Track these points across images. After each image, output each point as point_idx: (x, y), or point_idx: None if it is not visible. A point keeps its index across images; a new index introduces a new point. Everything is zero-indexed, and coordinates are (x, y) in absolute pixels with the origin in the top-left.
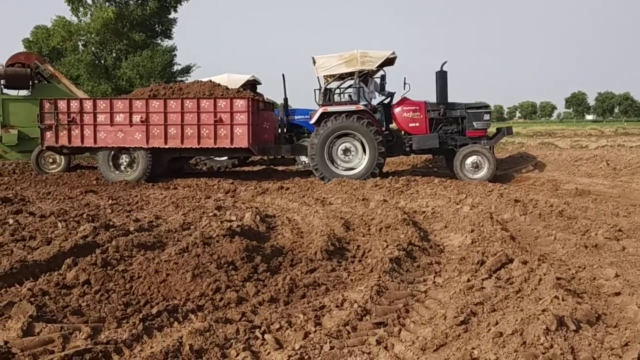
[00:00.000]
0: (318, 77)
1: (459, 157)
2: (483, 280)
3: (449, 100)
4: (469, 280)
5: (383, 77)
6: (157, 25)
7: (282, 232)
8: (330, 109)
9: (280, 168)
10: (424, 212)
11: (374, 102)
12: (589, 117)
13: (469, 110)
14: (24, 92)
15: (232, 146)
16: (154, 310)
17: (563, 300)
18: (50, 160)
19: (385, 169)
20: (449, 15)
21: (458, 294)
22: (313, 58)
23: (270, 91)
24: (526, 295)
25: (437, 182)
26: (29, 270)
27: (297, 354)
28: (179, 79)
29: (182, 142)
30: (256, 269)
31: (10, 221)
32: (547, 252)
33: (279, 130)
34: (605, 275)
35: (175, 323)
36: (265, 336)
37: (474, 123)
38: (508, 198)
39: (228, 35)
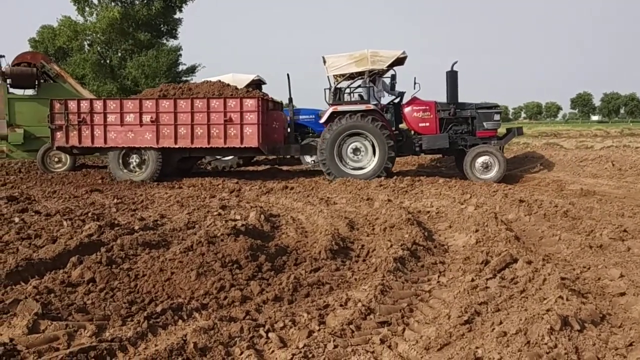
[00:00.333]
0: (328, 77)
1: (469, 157)
2: (487, 280)
3: (459, 100)
4: (473, 280)
5: (393, 77)
6: (162, 25)
7: (286, 232)
8: (340, 108)
9: (284, 168)
10: (428, 212)
11: (384, 102)
12: (595, 117)
13: (479, 110)
14: (30, 92)
15: (242, 146)
16: (159, 309)
17: (567, 300)
18: (56, 159)
19: None
20: (453, 15)
21: (462, 294)
22: (323, 57)
23: (271, 91)
24: (530, 295)
25: (441, 182)
26: (34, 268)
27: (301, 352)
28: (184, 78)
29: (192, 142)
30: (260, 268)
31: (16, 219)
32: (552, 252)
33: (288, 130)
34: (610, 276)
35: (180, 321)
36: (269, 335)
37: (484, 123)
38: (513, 198)
39: (228, 35)
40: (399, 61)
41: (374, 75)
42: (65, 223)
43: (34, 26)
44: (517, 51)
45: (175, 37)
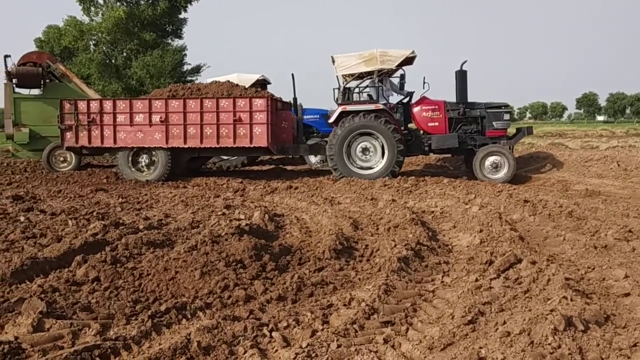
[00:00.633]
0: (337, 76)
1: (478, 157)
2: (491, 280)
3: (468, 100)
4: (477, 280)
5: (402, 76)
6: (167, 25)
7: (290, 231)
8: (349, 108)
9: (289, 168)
10: (432, 212)
11: (393, 102)
12: (600, 117)
13: (488, 110)
14: (35, 91)
15: (251, 145)
16: (163, 308)
17: (571, 300)
18: (61, 158)
19: None
20: (455, 14)
21: (466, 294)
22: (332, 57)
23: (274, 91)
24: (534, 295)
25: (446, 182)
26: (39, 267)
27: (304, 351)
28: (189, 78)
29: (201, 142)
30: (264, 268)
31: (22, 218)
32: (556, 252)
33: (297, 130)
34: (614, 276)
35: (184, 320)
36: (273, 334)
37: (494, 123)
38: (517, 198)
39: (229, 35)
40: (408, 61)
41: (383, 75)
42: (70, 222)
43: (39, 26)
44: (522, 51)
45: (180, 37)
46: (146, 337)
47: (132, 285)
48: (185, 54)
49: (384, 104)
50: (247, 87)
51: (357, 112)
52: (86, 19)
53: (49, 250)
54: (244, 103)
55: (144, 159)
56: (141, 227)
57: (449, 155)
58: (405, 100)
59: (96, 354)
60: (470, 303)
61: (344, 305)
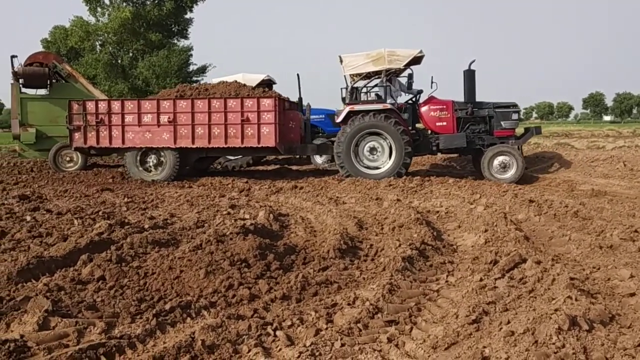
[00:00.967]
0: (345, 76)
1: (487, 156)
2: (496, 279)
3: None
4: (481, 280)
5: (410, 76)
6: (173, 25)
7: (295, 231)
8: (357, 107)
9: (294, 167)
10: (437, 211)
11: (400, 101)
12: (607, 117)
13: (497, 110)
14: (42, 91)
15: (259, 145)
16: (168, 306)
17: (576, 300)
18: (68, 158)
19: None
20: (460, 14)
21: (470, 293)
22: (340, 57)
23: (279, 91)
24: (539, 295)
25: (451, 182)
26: (45, 266)
27: (308, 350)
28: (195, 78)
29: (209, 142)
30: (269, 267)
31: (28, 218)
32: (562, 252)
33: (304, 130)
34: (619, 276)
35: (188, 319)
36: (277, 333)
37: (502, 122)
38: (523, 198)
39: (233, 36)
40: (416, 60)
41: (391, 75)
42: (76, 222)
43: (46, 26)
44: (528, 50)
45: (186, 37)
46: (151, 335)
47: (137, 284)
48: (191, 54)
49: (391, 104)
50: (253, 87)
51: (365, 112)
52: (92, 20)
53: (54, 249)
54: (251, 103)
55: (152, 159)
56: (146, 226)
57: (456, 155)
58: (413, 100)
59: (101, 352)
60: (475, 302)
61: (348, 304)
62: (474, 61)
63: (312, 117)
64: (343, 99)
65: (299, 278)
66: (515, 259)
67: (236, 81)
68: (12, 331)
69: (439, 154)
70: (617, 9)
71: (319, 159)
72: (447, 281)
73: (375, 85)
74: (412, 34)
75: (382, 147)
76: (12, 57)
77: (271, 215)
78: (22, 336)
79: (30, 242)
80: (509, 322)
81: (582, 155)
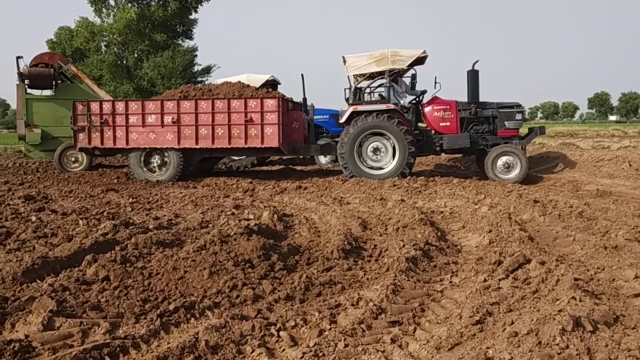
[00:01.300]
0: (348, 76)
1: (490, 157)
2: (500, 280)
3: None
4: (485, 280)
5: (414, 76)
6: (178, 26)
7: (299, 231)
8: (360, 108)
9: (298, 168)
10: (442, 212)
11: (404, 102)
12: (612, 117)
13: (500, 110)
14: (47, 92)
15: (263, 146)
16: (172, 307)
17: (580, 301)
18: (73, 159)
19: None
20: (462, 14)
21: (474, 294)
22: (343, 57)
23: (283, 91)
24: (543, 296)
25: (455, 182)
26: (50, 266)
27: (311, 351)
28: (200, 79)
29: (212, 143)
30: (273, 267)
31: (33, 218)
32: (566, 252)
33: (308, 130)
34: (624, 277)
35: (192, 319)
36: (281, 333)
37: (506, 122)
38: (527, 198)
39: (237, 36)
40: (419, 60)
41: (394, 75)
42: (80, 222)
43: (51, 27)
44: (533, 50)
45: (190, 38)
46: (155, 336)
47: (142, 285)
48: (196, 55)
49: (395, 104)
50: (257, 87)
51: (369, 112)
52: (98, 20)
53: (59, 250)
54: (255, 104)
55: (156, 160)
56: (151, 226)
57: (460, 155)
58: (416, 100)
59: (105, 352)
60: (479, 303)
61: (352, 305)
62: (477, 61)
63: (316, 117)
64: (347, 99)
65: (302, 278)
66: (519, 259)
67: (240, 82)
68: (17, 331)
69: (442, 154)
70: (623, 9)
71: (323, 159)
72: (451, 282)
73: (379, 86)
74: (412, 34)
75: (386, 147)
76: (18, 58)
77: (275, 216)
78: (27, 336)
79: (35, 243)
80: (512, 323)
81: (587, 155)
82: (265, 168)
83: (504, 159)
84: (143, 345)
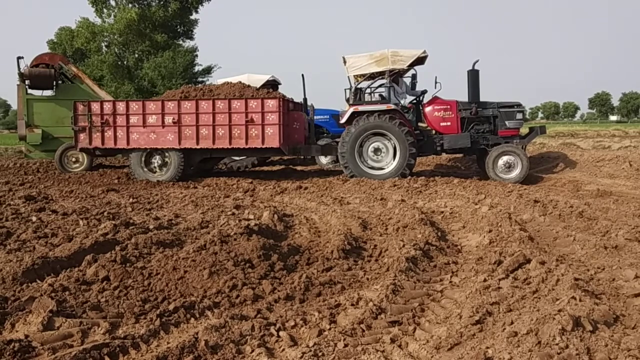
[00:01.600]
0: (348, 77)
1: (491, 156)
2: (500, 280)
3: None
4: (485, 280)
5: (414, 76)
6: (178, 26)
7: (299, 231)
8: (361, 108)
9: (299, 168)
10: (442, 212)
11: (404, 102)
12: (613, 117)
13: (501, 109)
14: (48, 93)
15: (264, 146)
16: (171, 307)
17: (580, 300)
18: (73, 159)
19: None
20: (465, 14)
21: (474, 294)
22: (343, 57)
23: (283, 92)
24: (543, 296)
25: (456, 182)
26: (50, 267)
27: (311, 351)
28: (200, 79)
29: (213, 143)
30: (273, 267)
31: (34, 218)
32: (566, 252)
33: (309, 131)
34: (624, 277)
35: (192, 319)
36: (280, 333)
37: (507, 122)
38: (527, 198)
39: (236, 36)
40: (420, 60)
41: (395, 75)
42: (81, 222)
43: (52, 28)
44: (533, 50)
45: (191, 38)
46: (154, 335)
47: (142, 285)
48: (197, 55)
49: (395, 104)
50: (257, 88)
51: (369, 113)
52: (98, 21)
53: (59, 250)
54: (256, 104)
55: (156, 160)
56: (151, 227)
57: (460, 155)
58: (417, 100)
59: (105, 352)
60: (478, 303)
61: (352, 305)
62: (477, 61)
63: (316, 117)
64: (347, 100)
65: (302, 278)
66: (519, 259)
67: (240, 82)
68: (17, 331)
69: (443, 154)
70: (623, 9)
71: (323, 160)
72: (451, 282)
73: (380, 86)
74: (413, 34)
75: (387, 147)
76: (19, 58)
77: (275, 216)
78: (26, 336)
79: (36, 243)
80: (512, 323)
81: (587, 155)
82: (265, 168)
83: (504, 158)
84: (143, 345)
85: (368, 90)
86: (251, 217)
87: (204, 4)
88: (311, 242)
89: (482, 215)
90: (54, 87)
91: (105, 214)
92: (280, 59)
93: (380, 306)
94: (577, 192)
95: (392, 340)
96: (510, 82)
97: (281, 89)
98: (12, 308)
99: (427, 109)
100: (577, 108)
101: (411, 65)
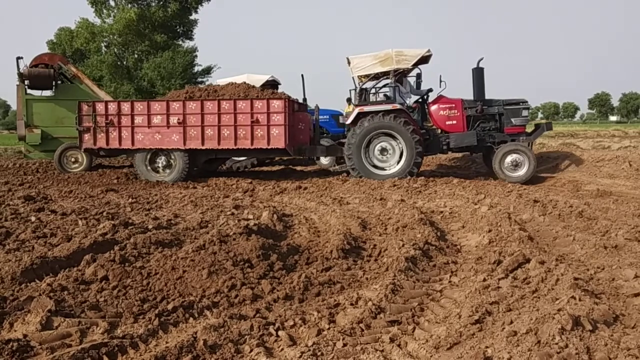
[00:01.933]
0: (353, 78)
1: (498, 155)
2: (499, 279)
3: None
4: (485, 280)
5: (419, 75)
6: (178, 27)
7: (298, 231)
8: (366, 108)
9: (298, 168)
10: (441, 212)
11: (409, 101)
12: (613, 118)
13: (507, 107)
14: (47, 93)
15: (269, 147)
16: (170, 306)
17: (580, 300)
18: (73, 159)
19: None
20: (465, 14)
21: (473, 293)
22: (347, 58)
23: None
24: (542, 295)
25: (455, 182)
26: (49, 266)
27: (310, 350)
28: (200, 79)
29: (219, 143)
30: (272, 267)
31: (33, 218)
32: (566, 252)
33: (313, 131)
34: (624, 276)
35: (191, 319)
36: (279, 333)
37: (512, 119)
38: (527, 198)
39: (236, 36)
40: (424, 59)
41: (399, 75)
42: (80, 222)
43: (52, 28)
44: (533, 51)
45: (190, 39)
46: (153, 335)
47: (140, 284)
48: (196, 55)
49: (400, 104)
50: (261, 88)
51: (375, 113)
52: (98, 21)
53: (58, 250)
54: (261, 104)
55: (161, 161)
56: (150, 226)
57: (460, 155)
58: (422, 99)
59: (103, 352)
60: (478, 302)
61: (351, 304)
62: (482, 59)
63: None
64: (348, 100)
65: (301, 278)
66: (519, 259)
67: (245, 82)
68: (15, 331)
69: (444, 153)
70: (623, 9)
71: (323, 160)
72: (450, 281)
73: (384, 86)
74: (413, 33)
75: (393, 147)
76: (18, 58)
77: (275, 216)
78: (25, 336)
79: (35, 243)
80: (512, 322)
81: (587, 155)
82: (265, 168)
83: (512, 157)
84: (141, 344)
85: (373, 91)
86: (250, 217)
87: (203, 4)
88: (310, 242)
89: (481, 215)
90: (53, 88)
91: (105, 214)
92: (280, 59)
93: (379, 306)
94: (577, 192)
95: (392, 340)
96: (510, 82)
97: (281, 89)
98: (10, 307)
99: (433, 108)
100: (576, 108)
101: (415, 65)
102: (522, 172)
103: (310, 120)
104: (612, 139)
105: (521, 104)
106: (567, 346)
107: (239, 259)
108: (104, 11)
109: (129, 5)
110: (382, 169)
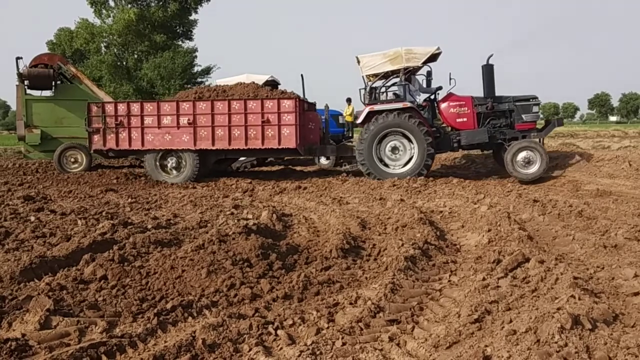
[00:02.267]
0: (362, 77)
1: (510, 152)
2: (499, 279)
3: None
4: (484, 279)
5: (429, 73)
6: (177, 27)
7: (298, 231)
8: (377, 107)
9: (298, 168)
10: (441, 211)
11: (419, 99)
12: (613, 118)
13: (517, 103)
14: (47, 93)
15: (280, 147)
16: (169, 306)
17: (579, 299)
18: (72, 159)
19: None
20: (464, 14)
21: (473, 293)
22: (357, 57)
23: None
24: (542, 294)
25: (455, 182)
26: (47, 266)
27: (308, 349)
28: (200, 80)
29: (229, 144)
30: (271, 266)
31: (32, 218)
32: (565, 251)
33: (323, 131)
34: (624, 275)
35: (190, 318)
36: (278, 332)
37: (523, 116)
38: (527, 198)
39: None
40: (433, 57)
41: (409, 73)
42: (79, 222)
43: (51, 28)
44: (533, 51)
45: (190, 39)
46: (152, 334)
47: (139, 284)
48: (196, 56)
49: (411, 102)
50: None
51: (385, 112)
52: (97, 21)
53: (57, 249)
54: (272, 104)
55: (171, 161)
56: (149, 226)
57: (459, 154)
58: (432, 97)
59: (102, 351)
60: (477, 302)
61: (350, 303)
62: (492, 55)
63: None
64: (347, 100)
65: (301, 277)
66: (518, 258)
67: (254, 82)
68: (14, 330)
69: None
70: (623, 9)
71: (324, 160)
72: (449, 280)
73: (394, 84)
74: (413, 34)
75: (404, 146)
76: (18, 58)
77: (274, 215)
78: (23, 335)
79: (34, 242)
80: (511, 321)
81: (587, 155)
82: (264, 168)
83: (523, 154)
84: (140, 343)
85: (382, 89)
86: (250, 216)
87: (203, 4)
88: (310, 241)
89: (481, 215)
90: (53, 88)
91: (104, 213)
92: (280, 59)
93: (378, 305)
94: (576, 192)
95: (391, 339)
96: (509, 83)
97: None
98: (9, 307)
99: (443, 106)
100: (576, 109)
101: (425, 63)
102: (534, 169)
103: (320, 119)
104: (612, 139)
105: (532, 100)
106: (566, 345)
107: (238, 258)
108: (104, 11)
109: (129, 6)
110: (392, 167)
